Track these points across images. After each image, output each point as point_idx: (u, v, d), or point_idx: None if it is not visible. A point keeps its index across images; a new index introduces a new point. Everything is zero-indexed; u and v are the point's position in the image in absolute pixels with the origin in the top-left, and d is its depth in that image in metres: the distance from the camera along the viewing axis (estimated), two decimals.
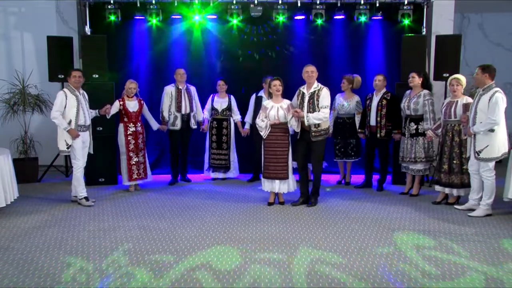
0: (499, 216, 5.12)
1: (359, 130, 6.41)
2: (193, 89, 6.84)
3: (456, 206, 5.45)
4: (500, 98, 4.84)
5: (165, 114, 6.65)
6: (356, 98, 6.51)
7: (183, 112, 6.65)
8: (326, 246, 4.19)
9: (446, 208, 5.45)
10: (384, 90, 6.11)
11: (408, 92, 6.04)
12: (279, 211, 5.36)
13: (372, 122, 6.15)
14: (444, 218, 5.05)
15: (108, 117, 6.05)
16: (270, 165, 5.44)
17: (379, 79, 6.11)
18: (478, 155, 4.99)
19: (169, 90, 6.65)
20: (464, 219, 5.01)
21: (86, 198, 5.64)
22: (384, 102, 6.04)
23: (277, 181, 5.47)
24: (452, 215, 5.18)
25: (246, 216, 5.13)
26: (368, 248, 4.13)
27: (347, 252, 4.02)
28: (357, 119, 6.48)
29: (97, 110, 5.93)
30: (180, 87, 6.66)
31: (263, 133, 5.44)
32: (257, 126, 5.52)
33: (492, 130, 4.89)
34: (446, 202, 5.64)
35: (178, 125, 6.65)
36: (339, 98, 6.56)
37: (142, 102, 6.34)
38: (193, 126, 6.82)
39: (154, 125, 6.57)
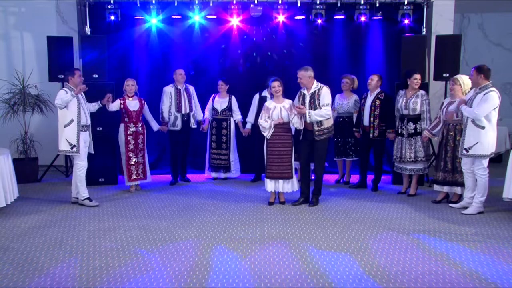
0: (498, 215, 5.12)
1: (354, 129, 6.48)
2: (192, 89, 6.85)
3: (450, 205, 5.47)
4: (492, 96, 4.88)
5: (165, 114, 6.65)
6: (355, 97, 6.58)
7: (183, 112, 6.66)
8: (326, 246, 4.19)
9: (446, 208, 5.45)
10: (378, 90, 6.13)
11: (402, 92, 6.08)
12: (279, 211, 5.36)
13: (366, 122, 6.18)
14: (444, 218, 5.05)
15: (107, 107, 6.02)
16: (273, 165, 5.44)
17: (373, 79, 6.12)
18: (467, 151, 5.03)
19: (168, 90, 6.67)
20: (464, 219, 5.01)
21: (89, 199, 5.61)
22: (378, 102, 6.05)
23: (280, 181, 5.48)
24: (452, 215, 5.18)
25: (247, 216, 5.13)
26: (368, 248, 4.14)
27: (347, 252, 4.03)
28: (355, 118, 6.54)
29: (98, 102, 5.92)
30: (179, 87, 6.68)
31: (267, 134, 5.43)
32: (260, 126, 5.50)
33: (482, 128, 4.94)
34: (448, 202, 5.62)
35: (179, 125, 6.67)
36: (338, 98, 6.62)
37: (143, 101, 6.34)
38: (193, 126, 6.83)
39: (155, 126, 6.57)
